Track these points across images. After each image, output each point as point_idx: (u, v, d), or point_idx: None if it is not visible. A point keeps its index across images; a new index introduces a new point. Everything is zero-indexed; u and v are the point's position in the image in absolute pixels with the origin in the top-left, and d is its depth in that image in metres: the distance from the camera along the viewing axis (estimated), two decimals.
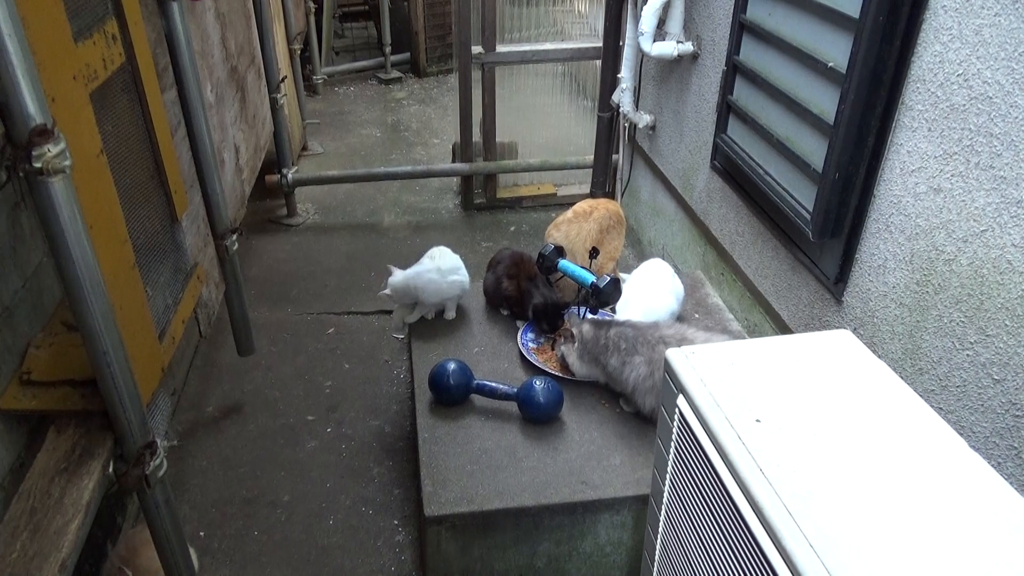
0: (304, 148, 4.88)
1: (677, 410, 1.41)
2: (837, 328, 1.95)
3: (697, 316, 2.45)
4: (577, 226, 2.43)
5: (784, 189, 2.08)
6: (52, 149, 1.18)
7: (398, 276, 2.35)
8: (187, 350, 2.92)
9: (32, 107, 1.14)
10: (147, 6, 1.89)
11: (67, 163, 1.21)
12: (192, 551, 2.04)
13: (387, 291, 2.35)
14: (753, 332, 2.45)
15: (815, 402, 1.33)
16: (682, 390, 1.40)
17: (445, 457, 1.95)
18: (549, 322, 2.27)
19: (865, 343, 1.82)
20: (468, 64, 3.73)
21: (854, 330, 1.87)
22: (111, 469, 1.55)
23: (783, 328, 2.25)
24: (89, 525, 1.44)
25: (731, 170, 2.45)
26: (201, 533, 2.26)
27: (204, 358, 3.00)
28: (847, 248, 1.83)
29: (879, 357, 1.76)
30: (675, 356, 1.46)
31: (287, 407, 2.76)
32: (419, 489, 1.89)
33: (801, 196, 1.99)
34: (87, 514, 1.41)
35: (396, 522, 2.31)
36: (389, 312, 2.48)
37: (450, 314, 2.43)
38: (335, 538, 2.25)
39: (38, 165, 1.17)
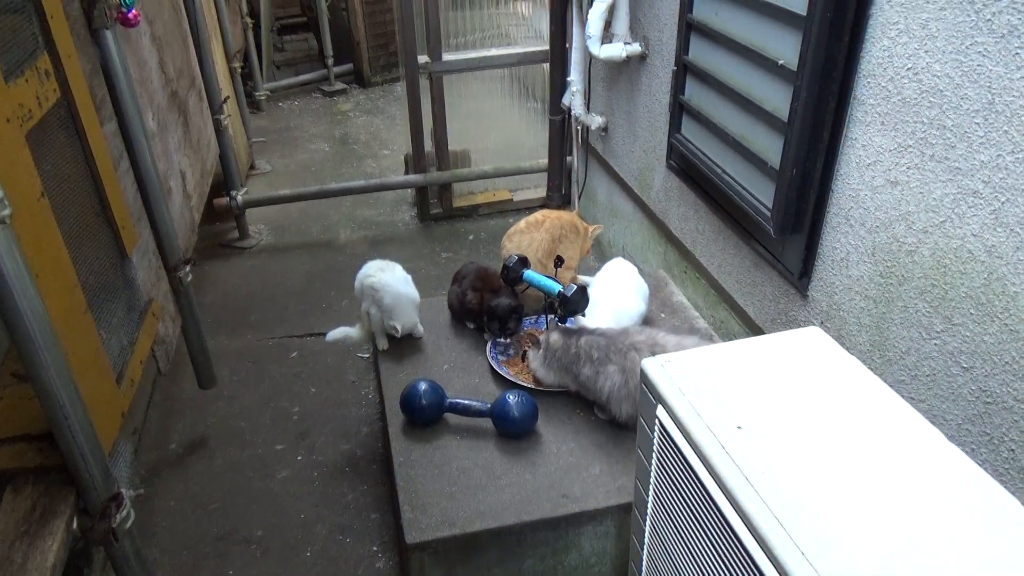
0: (251, 167, 4.78)
1: (657, 421, 1.40)
2: (804, 323, 1.97)
3: (663, 316, 2.46)
4: (529, 236, 2.43)
5: (742, 187, 2.09)
6: None
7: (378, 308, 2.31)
8: (145, 386, 2.82)
9: None
10: (79, 36, 1.81)
11: (6, 212, 1.15)
12: None
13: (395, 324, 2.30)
14: (720, 329, 2.46)
15: (793, 404, 1.33)
16: (661, 400, 1.39)
17: (422, 480, 1.92)
18: (500, 322, 2.24)
19: (832, 336, 1.84)
20: (415, 74, 3.68)
21: (821, 324, 1.88)
22: (75, 525, 1.48)
23: (750, 324, 2.26)
24: None
25: (688, 169, 2.46)
26: None
27: (164, 393, 2.90)
28: (809, 243, 1.85)
29: (847, 350, 1.77)
30: (651, 366, 1.45)
31: (254, 437, 2.69)
32: (397, 514, 1.85)
33: (760, 193, 2.01)
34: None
35: (375, 548, 2.26)
36: None
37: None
38: (313, 570, 2.20)
39: None
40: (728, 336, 2.41)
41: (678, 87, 2.38)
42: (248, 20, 5.47)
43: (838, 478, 1.17)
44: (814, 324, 1.91)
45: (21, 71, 1.42)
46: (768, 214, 1.94)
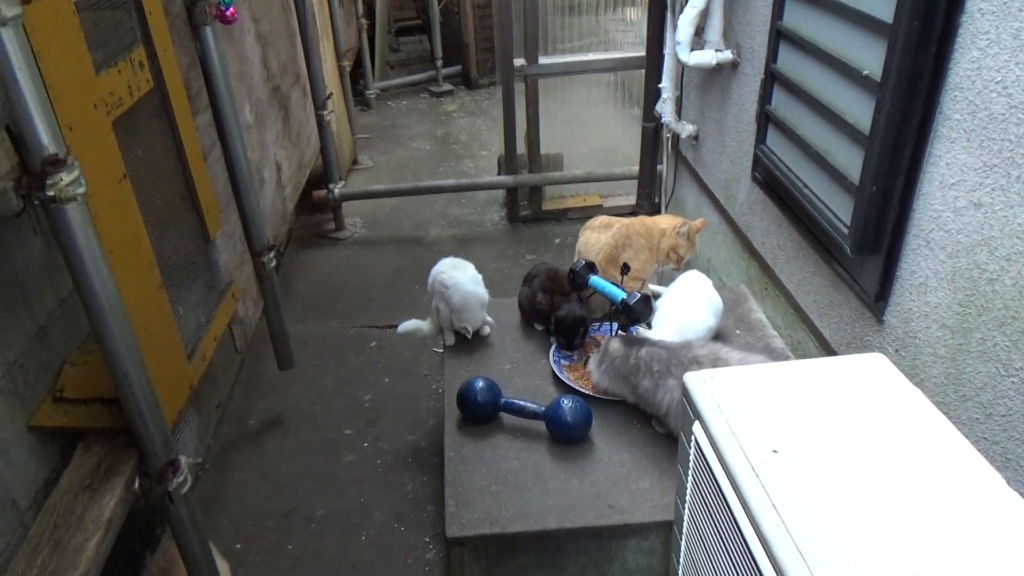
0: (354, 162, 4.96)
1: (693, 437, 1.36)
2: (879, 349, 1.85)
3: (739, 332, 2.37)
4: (596, 236, 2.42)
5: (822, 202, 1.99)
6: (65, 177, 1.21)
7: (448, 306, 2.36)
8: (232, 363, 2.99)
9: (45, 137, 1.18)
10: (180, 31, 1.94)
11: (80, 191, 1.25)
12: (224, 564, 2.07)
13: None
14: (796, 350, 2.35)
15: (839, 432, 1.25)
16: (698, 416, 1.35)
17: (470, 476, 1.94)
18: (567, 337, 2.23)
19: (907, 366, 1.73)
20: (511, 77, 3.72)
21: (895, 352, 1.77)
22: (136, 485, 1.59)
23: (826, 347, 2.15)
24: (111, 541, 1.48)
25: (771, 182, 2.37)
26: (237, 546, 2.30)
27: (249, 371, 3.06)
28: (887, 265, 1.74)
29: (921, 381, 1.67)
30: (693, 380, 1.41)
31: (327, 421, 2.79)
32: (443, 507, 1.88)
33: (839, 210, 1.90)
34: (108, 531, 1.45)
35: (427, 539, 2.30)
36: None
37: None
38: (366, 554, 2.26)
39: (51, 193, 1.20)
40: (804, 358, 2.30)
41: (765, 96, 2.29)
42: (363, 21, 5.68)
43: (875, 515, 1.10)
44: (888, 351, 1.80)
45: (114, 62, 1.55)
46: (846, 232, 1.84)
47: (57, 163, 1.20)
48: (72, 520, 1.43)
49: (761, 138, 2.37)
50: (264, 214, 2.48)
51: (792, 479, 1.17)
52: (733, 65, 2.63)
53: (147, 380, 1.49)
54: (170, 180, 1.86)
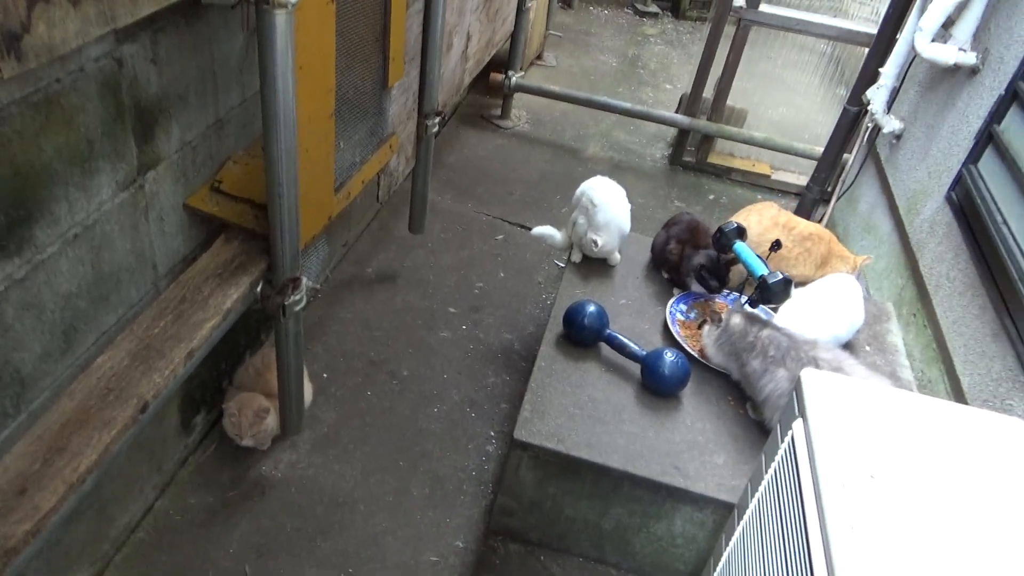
0: (538, 57, 4.89)
1: (790, 434, 1.30)
2: (1020, 416, 1.70)
3: (868, 349, 2.24)
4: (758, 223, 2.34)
5: (1019, 246, 1.80)
6: None
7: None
8: (369, 211, 3.10)
9: None
10: None
11: (292, 0, 1.28)
12: (310, 386, 2.22)
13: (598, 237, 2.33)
14: (924, 388, 2.20)
15: (951, 483, 1.17)
16: (803, 415, 1.29)
17: (553, 391, 1.96)
18: (719, 278, 2.18)
19: None
20: (724, 15, 3.51)
21: None
22: (258, 289, 1.69)
23: (958, 395, 1.99)
24: (225, 329, 1.59)
25: (967, 207, 2.15)
26: (324, 375, 2.44)
27: (381, 223, 3.17)
28: None
29: None
30: (811, 377, 1.33)
31: (435, 292, 2.87)
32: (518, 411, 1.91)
33: None
34: (224, 318, 1.55)
35: (492, 433, 2.36)
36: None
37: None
38: (434, 425, 2.35)
39: None
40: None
41: (997, 114, 2.05)
42: None
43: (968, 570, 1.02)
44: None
45: None
46: None
47: None
48: (198, 299, 1.54)
49: (974, 158, 2.15)
50: (442, 79, 2.49)
51: (882, 510, 1.11)
52: (972, 71, 2.36)
53: (296, 196, 1.56)
54: (369, 18, 1.88)
